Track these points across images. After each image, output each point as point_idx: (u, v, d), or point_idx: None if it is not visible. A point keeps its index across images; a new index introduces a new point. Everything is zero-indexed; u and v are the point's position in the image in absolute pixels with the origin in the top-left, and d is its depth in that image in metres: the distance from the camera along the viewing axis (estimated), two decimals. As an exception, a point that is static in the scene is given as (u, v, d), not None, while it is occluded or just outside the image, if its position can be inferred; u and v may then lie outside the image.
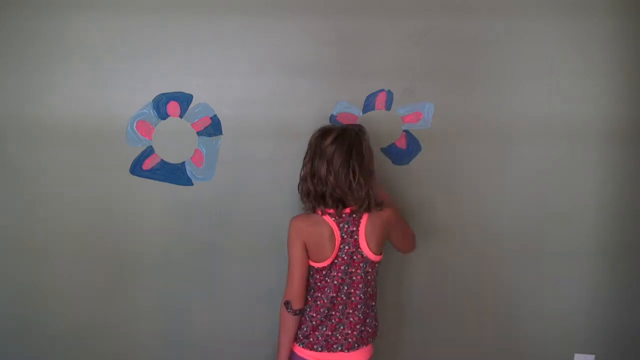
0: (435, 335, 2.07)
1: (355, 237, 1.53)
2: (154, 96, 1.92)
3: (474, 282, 2.03)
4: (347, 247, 1.53)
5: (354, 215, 1.53)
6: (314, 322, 1.57)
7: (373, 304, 1.64)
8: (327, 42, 1.89)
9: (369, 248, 1.54)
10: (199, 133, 1.94)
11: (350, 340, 1.57)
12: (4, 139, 1.96)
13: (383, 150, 1.95)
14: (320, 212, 1.52)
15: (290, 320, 1.57)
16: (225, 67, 1.90)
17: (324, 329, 1.57)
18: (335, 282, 1.54)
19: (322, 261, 1.53)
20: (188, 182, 1.96)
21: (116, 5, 1.87)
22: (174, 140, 1.94)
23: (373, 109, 1.92)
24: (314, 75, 1.90)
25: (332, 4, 1.87)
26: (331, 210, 1.52)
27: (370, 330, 1.62)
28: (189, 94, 1.92)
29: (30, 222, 2.00)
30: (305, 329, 1.59)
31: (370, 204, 1.52)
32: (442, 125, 1.92)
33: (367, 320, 1.61)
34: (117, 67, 1.90)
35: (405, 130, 1.94)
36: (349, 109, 1.92)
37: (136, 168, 1.96)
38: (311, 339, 1.57)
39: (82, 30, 1.88)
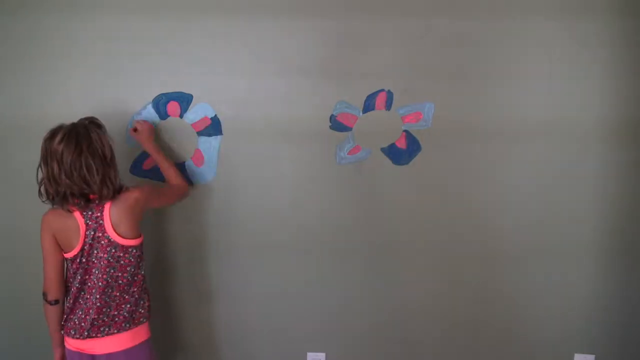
0: (435, 334, 2.07)
1: (100, 222, 1.55)
2: (154, 96, 1.92)
3: (473, 282, 2.03)
4: (92, 233, 1.55)
5: (97, 202, 1.55)
6: (67, 310, 1.62)
7: (134, 289, 1.64)
8: (327, 42, 1.89)
9: (117, 232, 1.57)
10: (199, 133, 1.94)
11: (96, 323, 1.59)
12: (3, 139, 1.96)
13: (383, 150, 1.95)
14: (70, 208, 1.55)
15: (50, 311, 1.62)
16: (225, 67, 1.91)
17: (75, 317, 1.60)
18: (86, 267, 1.58)
19: (70, 251, 1.57)
20: (188, 182, 1.96)
21: (116, 6, 1.87)
22: (174, 140, 1.94)
23: (373, 109, 1.92)
24: (314, 75, 1.90)
25: (332, 4, 1.87)
26: (76, 200, 1.54)
27: (125, 316, 1.62)
28: (189, 94, 1.92)
29: (30, 222, 2.00)
30: (64, 318, 1.63)
31: (109, 193, 1.54)
32: (442, 125, 1.92)
33: (124, 306, 1.62)
34: (117, 67, 1.90)
35: (405, 130, 1.94)
36: (349, 109, 1.92)
37: (136, 168, 1.96)
38: (65, 328, 1.62)
39: (82, 30, 1.89)
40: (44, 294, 1.61)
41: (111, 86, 1.91)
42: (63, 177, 1.49)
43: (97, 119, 1.62)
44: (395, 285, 2.04)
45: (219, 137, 1.94)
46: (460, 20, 1.86)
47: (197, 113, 1.93)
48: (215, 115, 1.93)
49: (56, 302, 1.61)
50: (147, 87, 1.91)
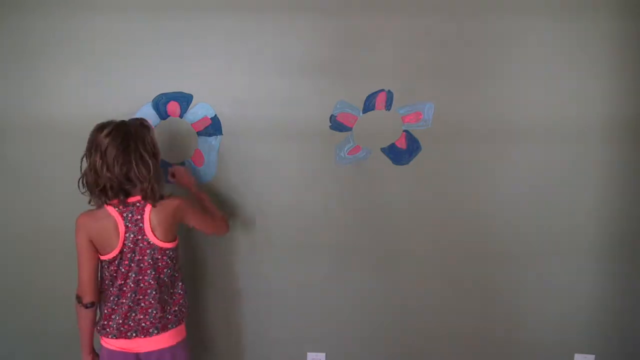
0: (435, 335, 2.07)
1: (140, 225, 1.57)
2: (154, 96, 1.92)
3: (473, 283, 2.03)
4: (132, 236, 1.57)
5: (138, 204, 1.57)
6: (106, 311, 1.62)
7: (173, 290, 1.67)
8: (328, 42, 1.89)
9: (155, 235, 1.58)
10: (199, 133, 1.94)
11: (144, 325, 1.61)
12: (3, 139, 1.96)
13: (383, 150, 1.95)
14: (105, 206, 1.56)
15: (84, 314, 1.61)
16: (225, 67, 1.90)
17: (116, 317, 1.61)
18: (123, 270, 1.59)
19: (109, 253, 1.57)
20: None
21: (116, 6, 1.87)
22: (174, 140, 1.94)
23: (373, 109, 1.92)
24: (314, 75, 1.90)
25: (332, 4, 1.87)
26: (115, 201, 1.55)
27: (171, 316, 1.66)
28: (189, 94, 1.92)
29: (30, 222, 2.00)
30: (101, 320, 1.64)
31: (148, 195, 1.55)
32: (442, 125, 1.92)
33: (166, 306, 1.65)
34: (117, 67, 1.90)
35: (405, 130, 1.94)
36: (349, 109, 1.92)
37: (136, 168, 1.96)
38: (107, 329, 1.61)
39: (82, 30, 1.89)
40: (79, 297, 1.59)
41: (111, 86, 1.91)
42: (105, 169, 1.49)
43: (147, 121, 1.62)
44: (394, 285, 2.04)
45: (219, 137, 1.94)
46: (460, 20, 1.86)
47: (197, 113, 1.93)
48: (215, 115, 1.93)
49: (92, 304, 1.60)
50: (147, 87, 1.91)
